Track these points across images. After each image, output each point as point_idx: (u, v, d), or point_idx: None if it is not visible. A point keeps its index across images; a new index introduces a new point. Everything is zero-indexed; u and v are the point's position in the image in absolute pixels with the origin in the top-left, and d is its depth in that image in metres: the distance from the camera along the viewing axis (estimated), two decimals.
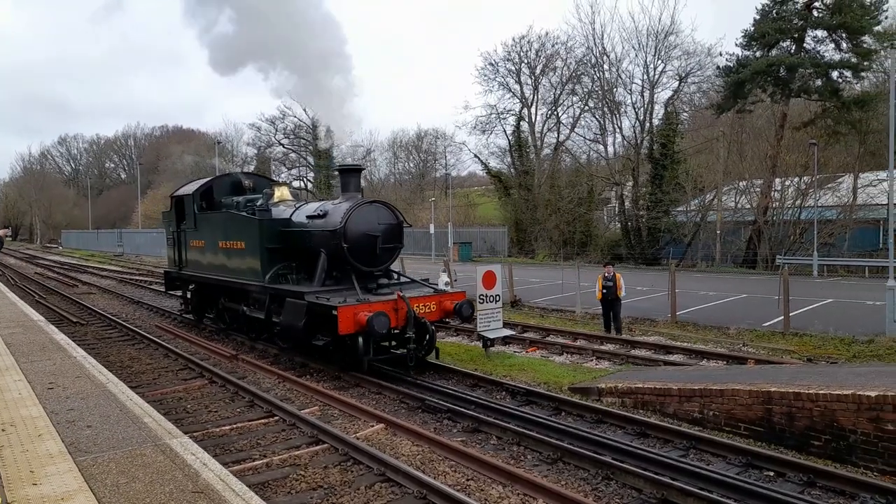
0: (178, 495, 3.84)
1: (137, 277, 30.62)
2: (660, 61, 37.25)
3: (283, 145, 64.06)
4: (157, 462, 4.43)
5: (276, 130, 62.87)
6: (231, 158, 67.78)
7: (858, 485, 5.86)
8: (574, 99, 42.96)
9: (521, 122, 44.99)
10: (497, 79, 45.43)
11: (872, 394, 6.36)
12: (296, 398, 9.48)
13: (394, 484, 6.15)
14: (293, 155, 64.83)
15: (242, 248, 12.33)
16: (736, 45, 34.56)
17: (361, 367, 9.87)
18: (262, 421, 8.32)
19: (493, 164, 47.94)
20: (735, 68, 31.14)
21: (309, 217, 11.58)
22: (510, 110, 45.72)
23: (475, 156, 46.87)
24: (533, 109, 45.37)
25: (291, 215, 12.10)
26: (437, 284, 11.84)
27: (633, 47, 42.01)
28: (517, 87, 45.10)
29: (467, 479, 6.27)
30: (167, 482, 4.06)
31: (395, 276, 12.08)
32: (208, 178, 15.42)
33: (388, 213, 11.38)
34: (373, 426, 7.91)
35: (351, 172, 11.72)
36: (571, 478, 6.33)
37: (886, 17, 31.33)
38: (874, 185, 33.14)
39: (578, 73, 41.25)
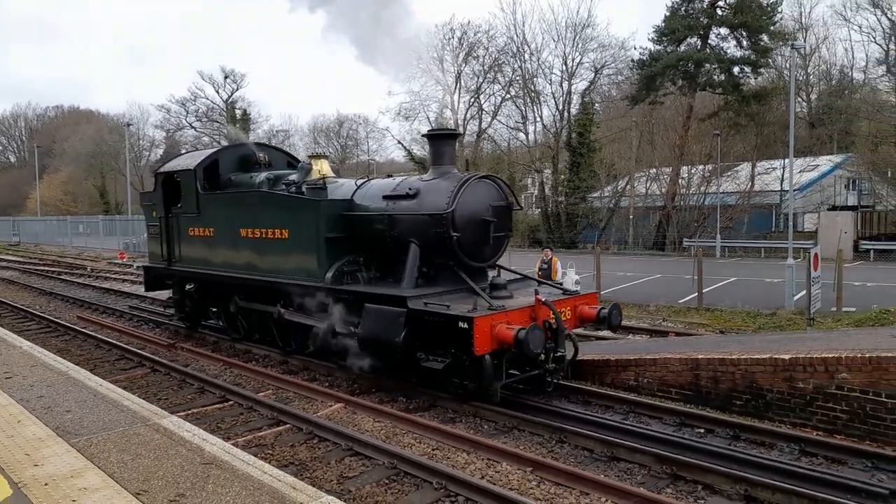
0: (189, 467, 3.96)
1: (43, 268, 28.77)
2: (577, 53, 38.66)
3: (194, 128, 61.50)
4: (155, 440, 4.49)
5: (188, 112, 60.27)
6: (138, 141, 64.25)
7: (776, 436, 6.68)
8: (496, 87, 43.77)
9: (444, 110, 45.43)
10: (420, 66, 45.59)
11: (786, 356, 7.23)
12: (246, 383, 9.49)
13: (363, 457, 6.41)
14: (206, 138, 62.36)
15: (285, 237, 9.44)
16: (648, 39, 36.45)
17: (491, 397, 7.45)
18: (217, 406, 8.32)
19: (417, 150, 48.16)
20: (647, 62, 32.89)
21: (388, 198, 8.81)
22: (433, 97, 46.05)
23: (398, 142, 46.81)
24: (456, 97, 45.90)
25: (353, 195, 9.36)
26: (561, 284, 9.31)
27: (553, 39, 43.35)
28: (440, 74, 45.45)
29: (433, 449, 6.63)
30: (173, 457, 4.15)
31: (497, 272, 9.24)
32: (212, 150, 12.28)
33: (497, 191, 8.77)
34: (331, 405, 8.11)
35: (444, 139, 8.93)
36: (529, 442, 6.83)
37: (781, 18, 34.02)
38: (768, 173, 36.08)
39: (500, 61, 42.07)
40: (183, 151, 59.62)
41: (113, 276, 24.74)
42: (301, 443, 6.90)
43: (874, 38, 40.27)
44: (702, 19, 33.47)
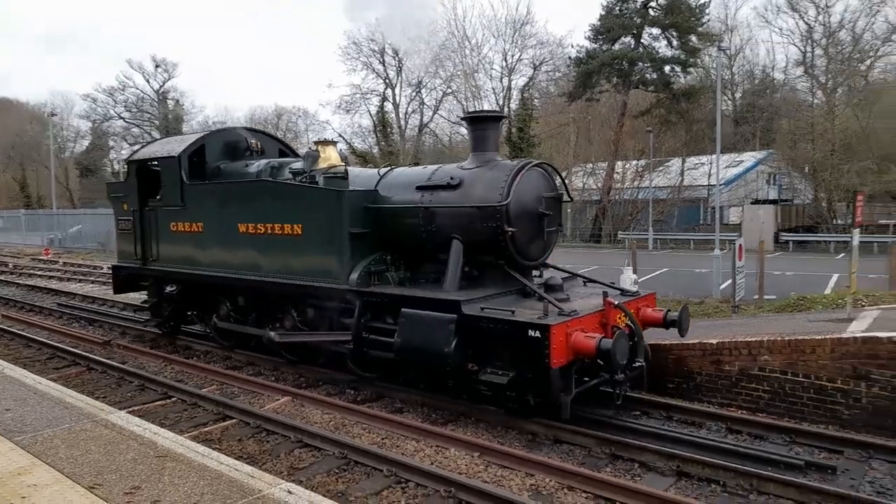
0: (143, 460, 3.94)
1: None
2: (517, 49, 39.30)
3: (123, 119, 58.95)
4: (105, 435, 4.42)
5: (116, 102, 57.71)
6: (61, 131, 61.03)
7: (705, 415, 7.14)
8: (437, 82, 43.99)
9: (386, 103, 45.28)
10: (361, 58, 45.26)
11: (714, 341, 7.72)
12: (189, 380, 9.33)
13: (313, 448, 6.47)
14: (136, 129, 59.91)
15: (298, 233, 8.33)
16: (585, 38, 37.39)
17: (559, 412, 6.47)
18: (160, 403, 8.16)
19: (358, 144, 47.83)
20: (584, 60, 33.79)
21: (424, 188, 7.86)
22: (374, 90, 45.82)
23: (339, 135, 46.33)
24: (397, 90, 45.83)
25: (377, 185, 8.42)
26: (616, 284, 8.15)
27: (493, 34, 43.81)
28: (381, 67, 45.25)
29: (382, 439, 6.74)
30: (125, 451, 4.11)
31: (539, 272, 8.33)
32: (197, 135, 10.77)
33: (547, 181, 7.91)
34: (278, 399, 8.10)
35: (487, 122, 7.88)
36: (478, 430, 7.04)
37: (709, 20, 35.56)
38: (697, 168, 37.78)
39: (441, 56, 42.28)
40: (111, 143, 56.80)
41: (38, 272, 23.56)
42: (249, 437, 6.89)
43: (793, 40, 42.63)
44: (635, 19, 34.63)
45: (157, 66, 58.03)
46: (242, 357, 10.23)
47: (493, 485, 5.50)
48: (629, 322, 6.90)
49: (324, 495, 4.28)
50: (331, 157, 9.51)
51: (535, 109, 39.87)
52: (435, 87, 44.86)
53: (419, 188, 7.91)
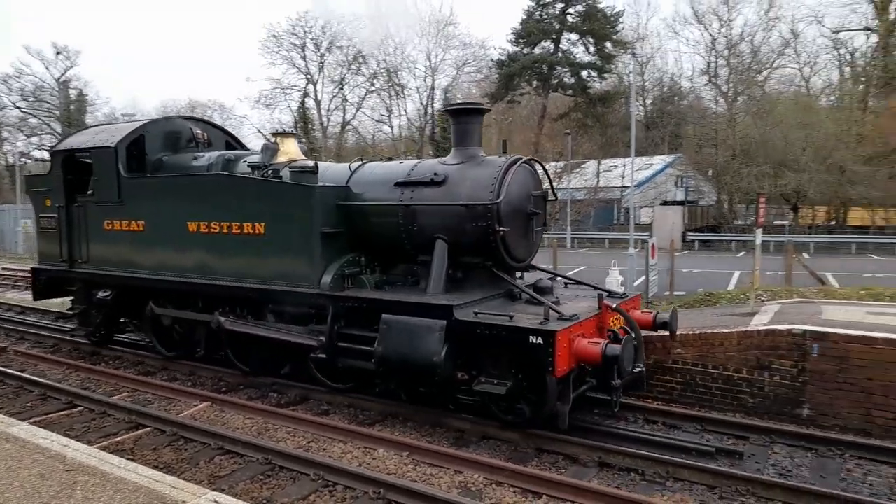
0: (52, 475, 3.64)
1: None
2: (440, 49, 39.52)
3: (19, 108, 54.69)
4: (5, 450, 4.05)
5: (11, 91, 53.43)
6: None
7: (624, 407, 7.37)
8: (360, 79, 43.56)
9: (307, 99, 44.41)
10: (281, 52, 44.16)
11: None
12: (97, 387, 8.78)
13: (235, 455, 6.24)
14: (33, 120, 55.75)
15: (260, 233, 7.64)
16: (506, 41, 38.08)
17: (557, 423, 6.18)
18: (64, 413, 7.64)
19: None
20: (506, 62, 34.43)
21: (404, 185, 7.30)
22: (295, 86, 44.82)
23: (258, 130, 45.01)
24: (319, 86, 45.02)
25: (349, 181, 7.83)
26: (601, 286, 7.98)
27: (417, 34, 43.82)
28: (302, 62, 44.31)
29: (308, 442, 6.60)
30: (30, 465, 3.79)
31: (520, 275, 7.82)
32: (134, 124, 9.70)
33: (534, 178, 7.50)
34: (196, 405, 7.76)
35: (470, 115, 7.37)
36: (406, 429, 7.02)
37: (623, 28, 37.07)
38: (611, 170, 39.36)
39: (364, 53, 41.90)
40: (5, 134, 52.52)
41: None
42: (165, 445, 6.56)
43: (698, 51, 45.16)
44: (554, 25, 35.62)
45: (57, 53, 54.21)
46: (156, 362, 9.73)
47: (422, 483, 5.50)
48: (626, 325, 6.64)
49: (249, 503, 4.13)
50: (291, 150, 8.98)
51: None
52: (358, 85, 44.43)
53: (399, 185, 7.34)
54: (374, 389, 7.64)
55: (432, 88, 39.91)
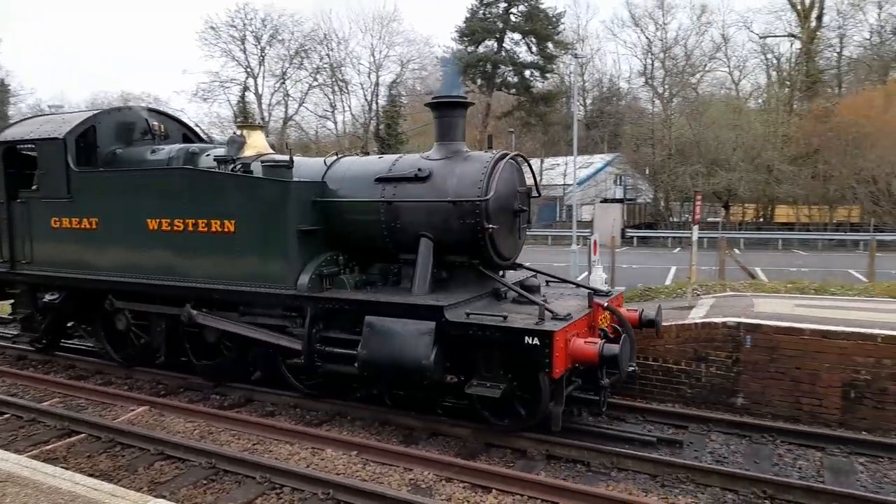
0: None
1: None
2: (384, 46, 39.26)
3: None
4: None
5: None
6: None
7: (569, 400, 7.56)
8: (303, 74, 42.82)
9: (247, 93, 43.32)
10: (219, 45, 42.91)
11: None
12: (24, 393, 8.33)
13: (176, 460, 6.05)
14: None
15: (230, 231, 7.18)
16: (451, 38, 38.18)
17: (550, 424, 6.03)
18: None
19: (216, 135, 45.28)
20: (451, 60, 34.49)
21: (385, 180, 6.98)
22: (234, 79, 43.65)
23: (196, 125, 43.56)
24: (260, 80, 43.99)
25: (325, 176, 7.46)
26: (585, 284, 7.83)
27: (361, 29, 43.42)
28: (242, 55, 43.18)
29: (254, 444, 6.46)
30: None
31: (502, 273, 7.45)
32: (84, 114, 8.95)
33: (519, 174, 7.32)
34: (134, 409, 7.47)
35: (454, 109, 7.09)
36: (354, 428, 6.95)
37: (564, 29, 37.78)
38: (553, 169, 40.10)
39: (306, 47, 41.20)
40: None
41: None
42: (100, 452, 6.29)
43: (636, 52, 46.50)
44: (498, 24, 35.95)
45: None
46: (89, 366, 9.31)
47: (372, 482, 5.47)
48: (618, 324, 6.63)
49: None
50: (258, 143, 8.55)
51: (402, 106, 40.17)
52: (300, 80, 43.65)
53: (380, 180, 7.01)
54: (354, 395, 7.42)
55: (376, 84, 39.72)
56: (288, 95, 44.25)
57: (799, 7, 41.11)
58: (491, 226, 6.52)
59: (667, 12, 40.20)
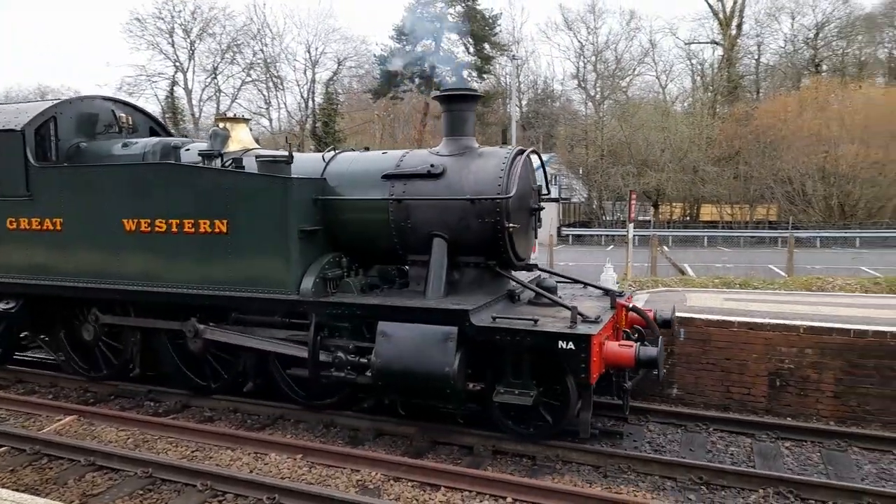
0: None
1: None
2: (321, 42, 38.71)
3: None
4: None
5: None
6: None
7: None
8: (236, 69, 41.63)
9: (176, 88, 41.73)
10: (146, 37, 41.14)
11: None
12: None
13: (109, 470, 5.77)
14: None
15: (224, 231, 6.62)
16: (388, 37, 38.03)
17: (579, 432, 5.91)
18: None
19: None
20: (388, 59, 34.40)
21: (394, 177, 6.59)
22: (162, 73, 41.96)
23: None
24: (190, 75, 42.45)
25: (324, 172, 6.99)
26: (596, 284, 7.68)
27: (296, 25, 42.60)
28: (170, 48, 41.55)
29: (193, 451, 6.24)
30: None
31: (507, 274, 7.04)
32: (44, 104, 8.13)
33: (533, 171, 7.02)
34: (61, 419, 7.07)
35: (465, 102, 6.78)
36: (299, 431, 6.81)
37: (500, 31, 38.28)
38: None
39: (239, 42, 40.07)
40: None
41: None
42: (25, 465, 5.92)
43: (569, 56, 47.64)
44: (435, 23, 36.05)
45: None
46: (9, 374, 8.74)
47: (318, 485, 5.39)
48: (642, 325, 6.59)
49: None
50: (243, 138, 8.01)
51: (339, 105, 39.69)
52: (233, 75, 42.43)
53: (388, 177, 6.60)
54: (361, 405, 7.06)
55: (313, 81, 39.07)
56: (220, 91, 42.96)
57: (721, 16, 43.19)
58: (511, 225, 6.23)
59: (598, 17, 41.47)
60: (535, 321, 5.66)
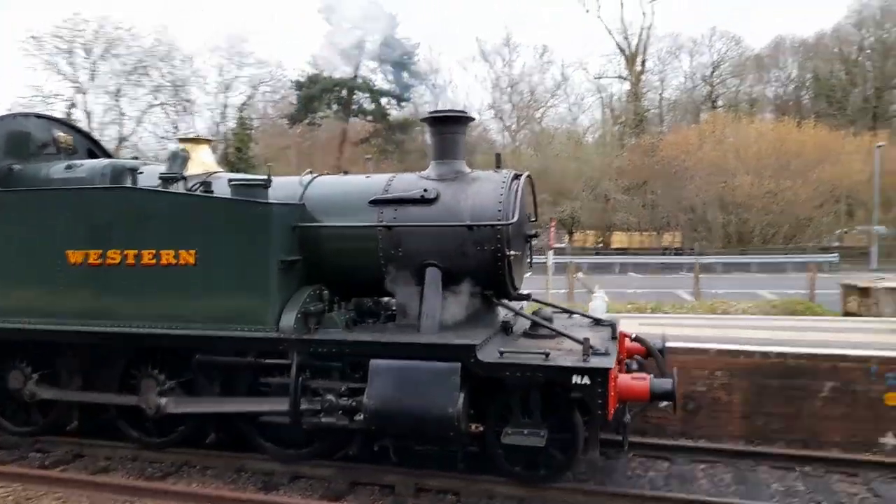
0: None
1: None
2: (234, 66, 37.74)
3: None
4: None
5: None
6: None
7: None
8: (141, 91, 39.85)
9: (74, 110, 39.42)
10: (42, 56, 38.76)
11: None
12: None
13: None
14: None
15: (191, 263, 5.94)
16: (306, 62, 37.67)
17: (588, 469, 5.87)
18: None
19: None
20: (306, 84, 34.01)
21: (382, 203, 6.13)
22: (59, 94, 39.57)
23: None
24: (90, 97, 40.25)
25: (303, 197, 6.42)
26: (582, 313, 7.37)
27: (208, 48, 41.48)
28: (69, 69, 39.31)
29: None
30: None
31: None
32: None
33: (527, 196, 6.57)
34: None
35: (455, 124, 6.47)
36: (206, 478, 6.34)
37: (419, 59, 38.80)
38: None
39: (146, 63, 38.45)
40: None
41: None
42: None
43: (486, 86, 48.96)
44: (353, 50, 36.11)
45: None
46: None
47: None
48: (644, 355, 6.33)
49: None
50: (204, 159, 7.37)
51: (253, 130, 38.75)
52: (138, 97, 40.58)
53: (376, 202, 6.14)
54: (346, 452, 6.18)
55: (225, 106, 37.96)
56: (123, 114, 40.94)
57: (626, 52, 45.76)
58: (512, 252, 5.91)
59: (512, 50, 42.81)
60: (547, 355, 5.31)
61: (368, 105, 36.35)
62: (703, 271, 21.91)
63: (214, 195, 6.36)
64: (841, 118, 42.55)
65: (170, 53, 37.21)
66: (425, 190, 6.08)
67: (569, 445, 5.54)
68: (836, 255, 30.92)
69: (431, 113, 6.50)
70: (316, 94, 33.34)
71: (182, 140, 7.50)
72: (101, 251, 6.19)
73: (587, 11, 56.32)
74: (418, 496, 5.85)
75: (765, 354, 7.19)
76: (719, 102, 47.63)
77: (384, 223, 6.04)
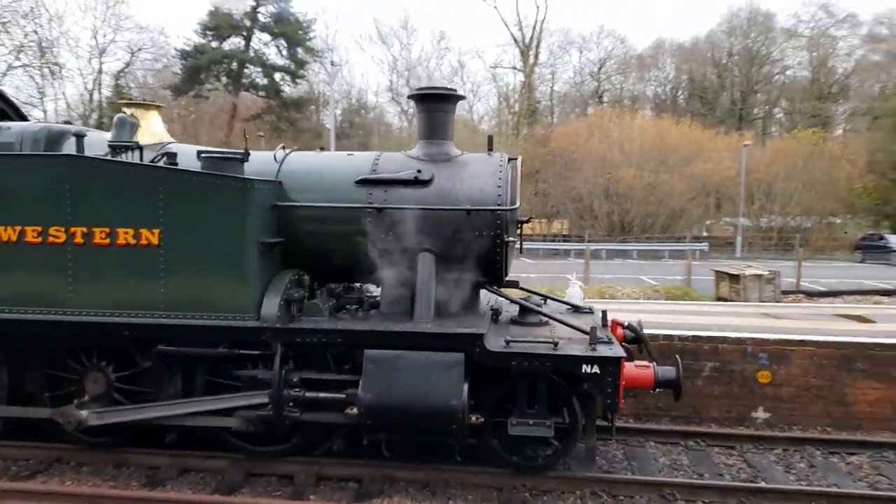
0: None
1: None
2: (110, 29, 34.69)
3: None
4: None
5: None
6: None
7: None
8: (1, 51, 35.71)
9: None
10: None
11: None
12: None
13: None
14: None
15: (154, 243, 5.24)
16: (193, 31, 35.38)
17: (588, 458, 5.70)
18: None
19: None
20: (192, 53, 31.92)
21: (370, 183, 5.70)
22: None
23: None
24: None
25: (279, 174, 5.82)
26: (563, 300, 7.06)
27: (79, 7, 37.88)
28: None
29: None
30: None
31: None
32: None
33: (517, 180, 6.11)
34: None
35: (443, 102, 6.08)
36: (81, 476, 5.76)
37: (315, 36, 37.52)
38: None
39: (6, 20, 34.46)
40: None
41: None
42: None
43: (383, 69, 48.36)
44: (245, 21, 34.28)
45: None
46: None
47: None
48: (637, 342, 6.11)
49: None
50: (155, 128, 6.49)
51: (132, 100, 35.94)
52: None
53: (363, 182, 5.73)
54: (329, 447, 5.81)
55: (100, 72, 34.76)
56: None
57: (521, 45, 46.86)
58: (511, 238, 5.75)
59: (410, 34, 42.51)
60: (556, 344, 5.19)
61: (261, 80, 34.77)
62: (590, 258, 22.99)
63: (183, 168, 5.57)
64: (712, 118, 46.14)
65: (35, 10, 33.53)
66: (419, 171, 5.77)
67: (567, 433, 5.52)
68: (705, 244, 33.58)
69: (420, 89, 6.19)
70: (203, 65, 31.35)
71: (129, 105, 6.58)
72: (40, 228, 5.40)
73: (484, 0, 57.02)
74: (318, 485, 5.66)
75: (653, 337, 7.57)
76: (605, 98, 50.05)
77: (374, 205, 5.67)
